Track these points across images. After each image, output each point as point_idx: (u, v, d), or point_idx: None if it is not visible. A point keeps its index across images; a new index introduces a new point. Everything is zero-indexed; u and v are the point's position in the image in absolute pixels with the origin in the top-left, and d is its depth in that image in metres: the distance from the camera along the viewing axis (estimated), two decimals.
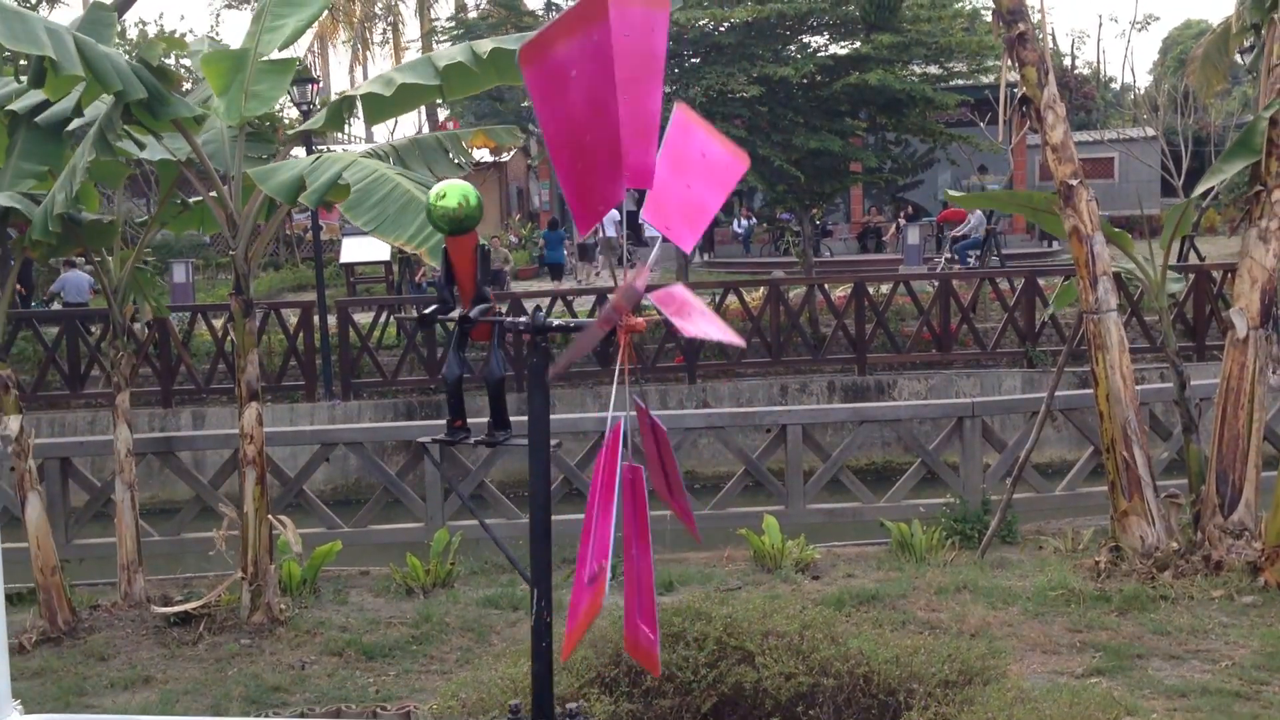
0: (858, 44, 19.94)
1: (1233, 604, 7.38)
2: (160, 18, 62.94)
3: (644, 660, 2.76)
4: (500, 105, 26.47)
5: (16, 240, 7.85)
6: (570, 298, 18.46)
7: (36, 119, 7.02)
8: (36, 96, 6.91)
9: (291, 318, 17.47)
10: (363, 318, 17.77)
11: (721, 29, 19.72)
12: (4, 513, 9.37)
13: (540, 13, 23.48)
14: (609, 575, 2.49)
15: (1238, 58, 12.24)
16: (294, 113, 21.14)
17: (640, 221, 2.60)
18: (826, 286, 18.54)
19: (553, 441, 2.67)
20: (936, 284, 18.06)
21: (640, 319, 2.47)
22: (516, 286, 23.92)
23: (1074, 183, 8.30)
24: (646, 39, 2.47)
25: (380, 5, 43.73)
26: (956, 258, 25.53)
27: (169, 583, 8.82)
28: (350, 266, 23.53)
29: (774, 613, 5.20)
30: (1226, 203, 27.79)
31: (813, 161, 19.38)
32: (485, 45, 7.15)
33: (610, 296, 2.51)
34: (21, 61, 6.93)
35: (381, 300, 20.86)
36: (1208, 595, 7.50)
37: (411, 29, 44.95)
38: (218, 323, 17.11)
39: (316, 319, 17.09)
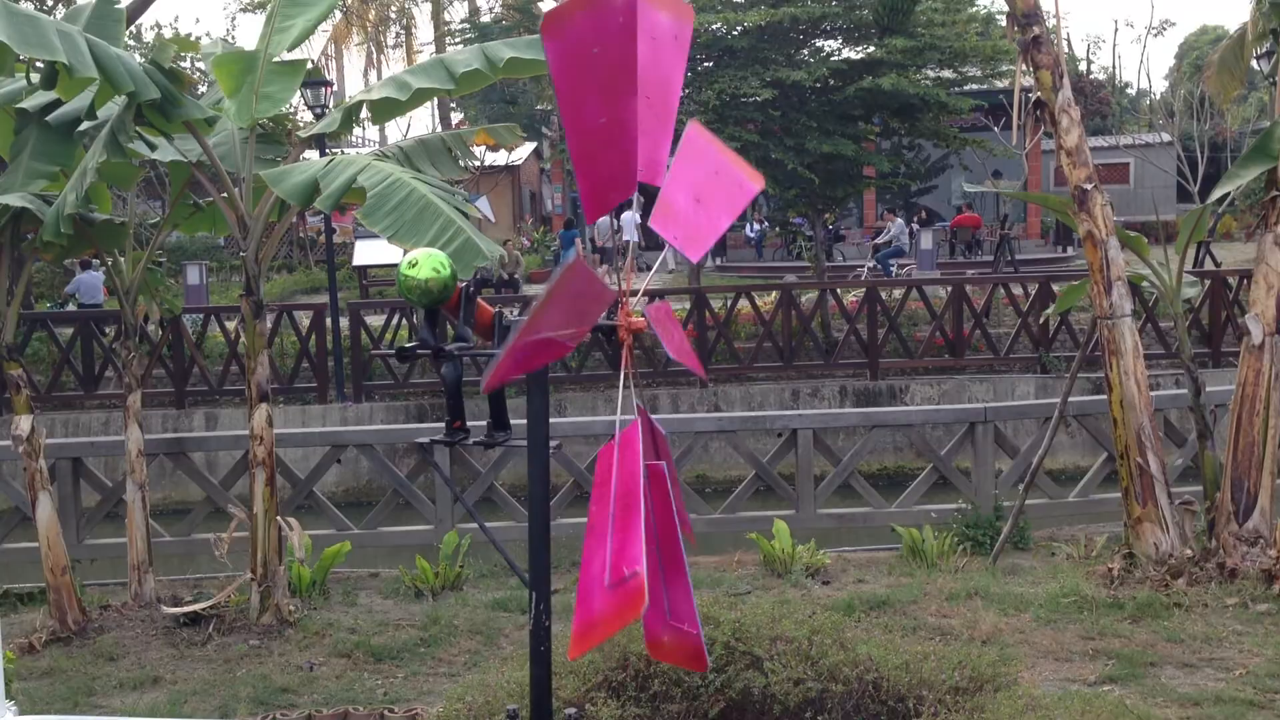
0: (871, 48, 19.87)
1: (1247, 611, 7.32)
2: (175, 20, 63.25)
3: (681, 659, 2.72)
4: (513, 108, 26.52)
5: (29, 241, 7.87)
6: None
7: (48, 118, 7.02)
8: (48, 95, 6.91)
9: (304, 320, 17.51)
10: (375, 320, 17.78)
11: (735, 33, 19.68)
12: (15, 512, 9.40)
13: None
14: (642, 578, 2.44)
15: (1254, 63, 12.18)
16: (308, 115, 21.17)
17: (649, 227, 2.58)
18: (839, 291, 18.47)
19: (552, 443, 2.65)
20: (950, 289, 18.00)
21: (640, 319, 2.46)
22: (528, 289, 23.95)
23: (1089, 187, 8.25)
24: (668, 44, 2.45)
25: (394, 9, 43.84)
26: (879, 266, 25.41)
27: (179, 583, 8.84)
28: (363, 269, 23.57)
29: (783, 618, 5.16)
30: (1243, 208, 27.69)
31: (825, 166, 19.33)
32: (501, 50, 7.19)
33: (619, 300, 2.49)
34: (37, 63, 6.93)
35: (394, 303, 20.85)
36: (1222, 603, 7.44)
37: (425, 33, 45.13)
38: (230, 324, 17.14)
39: (329, 321, 17.12)
